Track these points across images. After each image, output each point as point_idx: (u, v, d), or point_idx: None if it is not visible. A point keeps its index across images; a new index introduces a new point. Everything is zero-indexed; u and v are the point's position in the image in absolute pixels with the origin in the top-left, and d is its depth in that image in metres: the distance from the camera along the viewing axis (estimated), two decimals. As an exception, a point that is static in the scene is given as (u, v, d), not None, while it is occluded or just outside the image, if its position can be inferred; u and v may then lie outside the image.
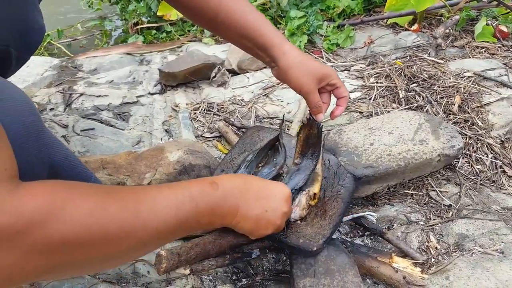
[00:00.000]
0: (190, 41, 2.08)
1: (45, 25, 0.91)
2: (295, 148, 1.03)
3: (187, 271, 0.94)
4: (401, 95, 1.51)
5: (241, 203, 0.70)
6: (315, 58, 1.86)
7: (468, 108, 1.44)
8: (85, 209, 0.50)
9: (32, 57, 1.00)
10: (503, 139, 1.33)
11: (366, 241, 1.08)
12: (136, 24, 2.39)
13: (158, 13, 2.30)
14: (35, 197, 0.47)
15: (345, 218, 1.07)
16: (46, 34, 2.28)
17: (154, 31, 2.29)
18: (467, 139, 1.33)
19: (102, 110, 1.48)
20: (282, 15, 2.15)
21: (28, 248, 0.45)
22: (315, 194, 0.96)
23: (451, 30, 1.99)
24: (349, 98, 0.99)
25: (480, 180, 1.21)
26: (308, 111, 0.97)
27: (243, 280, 0.99)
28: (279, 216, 0.77)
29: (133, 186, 0.60)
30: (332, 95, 0.99)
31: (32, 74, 1.71)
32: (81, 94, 1.55)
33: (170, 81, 1.63)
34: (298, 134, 1.01)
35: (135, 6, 2.36)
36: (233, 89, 1.63)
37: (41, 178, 0.60)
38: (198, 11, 0.93)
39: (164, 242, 0.67)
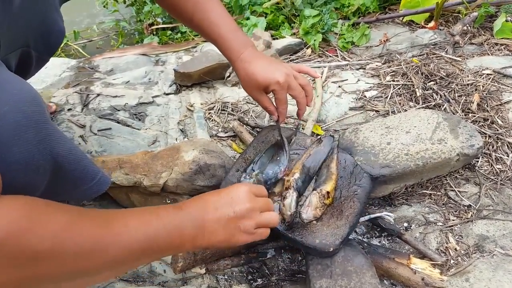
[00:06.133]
0: (205, 41, 2.08)
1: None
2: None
3: (203, 271, 0.94)
4: (418, 94, 1.49)
5: (205, 220, 0.69)
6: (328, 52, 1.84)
7: (487, 106, 1.41)
8: (59, 224, 0.52)
9: (50, 59, 1.02)
10: (524, 138, 1.30)
11: (384, 242, 1.07)
12: (151, 25, 2.41)
13: (173, 14, 2.32)
14: (11, 211, 0.48)
15: (362, 219, 1.06)
16: (63, 35, 2.31)
17: (169, 32, 2.31)
18: (487, 138, 1.30)
19: (118, 110, 1.49)
20: (296, 14, 2.14)
21: (1, 259, 0.46)
22: (328, 192, 0.95)
23: (469, 27, 1.94)
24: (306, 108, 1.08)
25: (501, 180, 1.18)
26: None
27: (259, 280, 0.98)
28: (245, 214, 0.72)
29: (106, 209, 0.61)
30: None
31: (50, 75, 1.73)
32: (98, 95, 1.57)
33: (185, 81, 1.63)
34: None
35: (150, 7, 2.38)
36: (247, 88, 1.63)
37: (43, 170, 0.61)
38: (178, 12, 1.02)
39: (136, 263, 0.67)
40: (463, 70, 1.60)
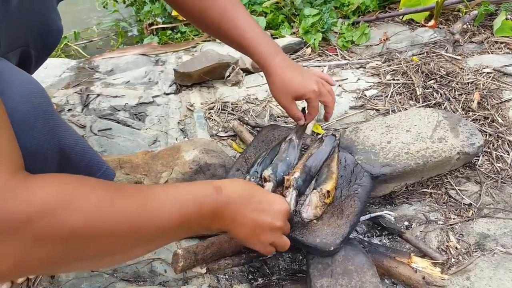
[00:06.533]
0: (205, 41, 2.08)
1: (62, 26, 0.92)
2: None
3: (204, 270, 0.94)
4: (418, 92, 1.49)
5: (240, 212, 0.70)
6: (332, 55, 1.84)
7: (487, 104, 1.41)
8: (93, 202, 0.51)
9: (49, 59, 1.02)
10: (524, 136, 1.30)
11: (384, 241, 1.06)
12: (151, 24, 2.40)
13: (173, 14, 2.32)
14: (45, 188, 0.48)
15: (363, 218, 1.06)
16: (63, 36, 2.32)
17: (169, 32, 2.30)
18: (487, 136, 1.30)
19: (118, 110, 1.49)
20: (296, 13, 2.14)
21: (35, 236, 0.46)
22: (328, 191, 0.94)
23: (469, 26, 1.94)
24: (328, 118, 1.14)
25: (501, 179, 1.18)
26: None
27: (259, 279, 0.98)
28: (272, 230, 0.76)
29: (140, 185, 0.61)
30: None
31: (50, 75, 1.74)
32: (98, 95, 1.57)
33: (185, 81, 1.63)
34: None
35: (150, 7, 2.38)
36: (247, 88, 1.63)
37: (51, 159, 0.61)
38: (204, 22, 1.01)
39: (165, 242, 0.68)
40: (463, 69, 1.60)
